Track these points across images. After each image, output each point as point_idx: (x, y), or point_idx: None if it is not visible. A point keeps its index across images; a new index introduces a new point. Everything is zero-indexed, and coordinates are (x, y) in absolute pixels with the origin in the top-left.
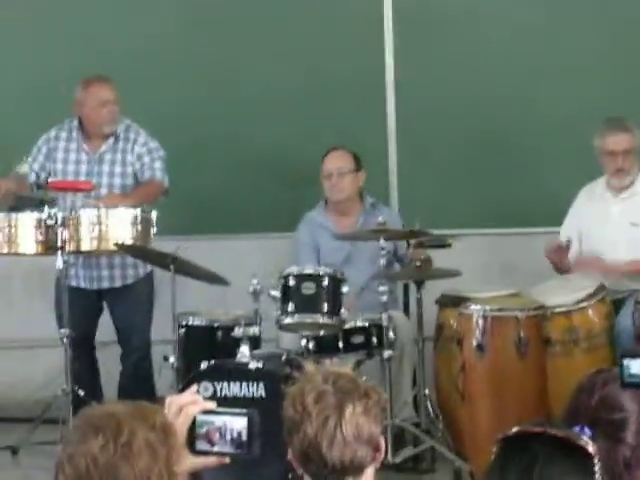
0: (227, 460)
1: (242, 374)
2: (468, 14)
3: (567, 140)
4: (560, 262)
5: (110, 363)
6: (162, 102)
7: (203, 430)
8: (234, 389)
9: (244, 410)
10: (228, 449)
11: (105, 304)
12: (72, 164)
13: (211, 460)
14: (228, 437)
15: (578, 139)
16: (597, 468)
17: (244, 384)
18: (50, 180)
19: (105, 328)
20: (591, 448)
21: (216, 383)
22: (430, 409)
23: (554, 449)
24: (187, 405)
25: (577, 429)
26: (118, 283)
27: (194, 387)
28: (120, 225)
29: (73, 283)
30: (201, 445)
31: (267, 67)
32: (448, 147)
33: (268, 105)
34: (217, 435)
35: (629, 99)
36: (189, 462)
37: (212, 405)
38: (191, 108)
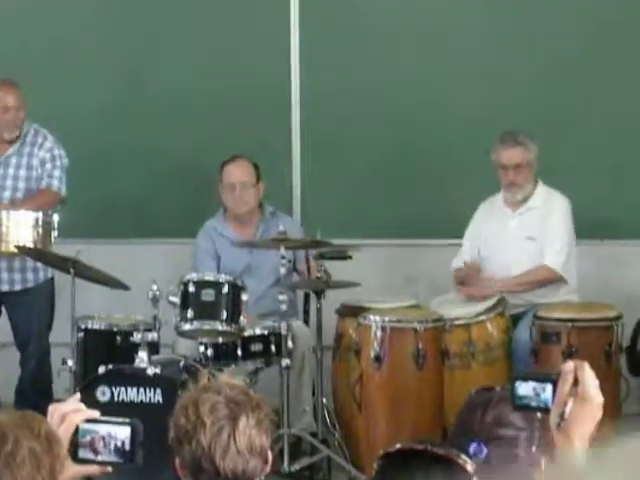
0: (109, 469)
1: (140, 379)
2: (377, 19)
3: (471, 152)
4: (469, 282)
5: (10, 365)
6: (65, 105)
7: (86, 439)
8: (131, 394)
9: (127, 420)
10: (111, 458)
11: (3, 307)
12: None
13: (93, 469)
14: (111, 446)
15: (483, 152)
16: None
17: (141, 389)
18: None
19: (4, 329)
20: (469, 467)
21: (114, 388)
22: (328, 419)
23: (434, 467)
24: (70, 413)
25: (474, 445)
26: (18, 287)
27: (77, 395)
28: (21, 227)
29: None
30: (84, 454)
31: (172, 69)
32: (352, 157)
33: (171, 110)
34: (101, 444)
35: (538, 109)
36: (72, 471)
37: (95, 414)
38: (95, 111)
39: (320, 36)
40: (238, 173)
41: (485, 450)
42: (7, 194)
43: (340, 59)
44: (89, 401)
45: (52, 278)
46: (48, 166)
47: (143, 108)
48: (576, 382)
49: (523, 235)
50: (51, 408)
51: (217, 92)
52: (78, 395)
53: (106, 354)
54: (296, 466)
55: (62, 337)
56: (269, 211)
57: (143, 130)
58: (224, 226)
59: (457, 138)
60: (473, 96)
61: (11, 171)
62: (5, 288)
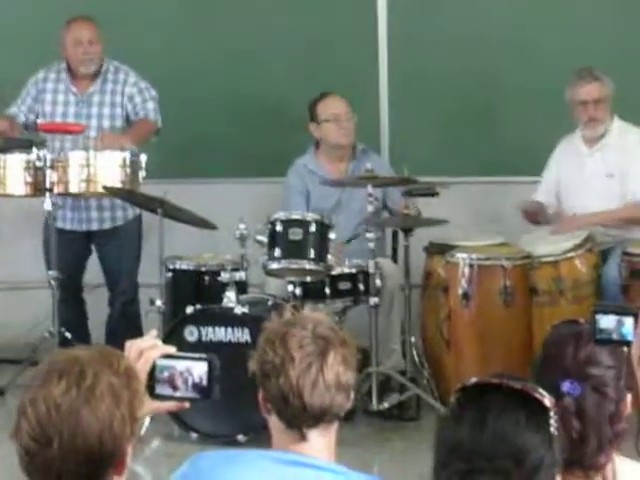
0: (187, 405)
1: (227, 319)
2: None
3: (554, 91)
4: (537, 221)
5: (99, 305)
6: (154, 46)
7: (164, 374)
8: (219, 334)
9: (204, 355)
10: (189, 394)
11: (93, 246)
12: (60, 106)
13: (170, 405)
14: (189, 382)
15: (556, 94)
16: (552, 421)
17: (229, 329)
18: (39, 122)
19: (94, 270)
20: (547, 401)
21: (201, 327)
22: (416, 357)
23: (510, 401)
24: (147, 349)
25: (568, 383)
26: (107, 225)
27: (154, 331)
28: (109, 168)
29: (61, 225)
30: (161, 389)
31: (255, 12)
32: (439, 95)
33: (258, 51)
34: (178, 380)
35: (623, 51)
36: (149, 406)
37: (172, 349)
38: (181, 53)
39: None
40: (339, 105)
41: (580, 388)
42: (92, 133)
43: (426, 8)
44: (177, 341)
45: (140, 215)
46: (138, 99)
47: (228, 50)
48: None
49: (602, 172)
50: (128, 344)
51: (302, 31)
52: (155, 332)
53: (194, 294)
54: (385, 404)
55: (150, 278)
56: (360, 149)
57: (229, 72)
58: (315, 163)
59: (545, 76)
60: (559, 35)
61: (94, 110)
62: (95, 227)
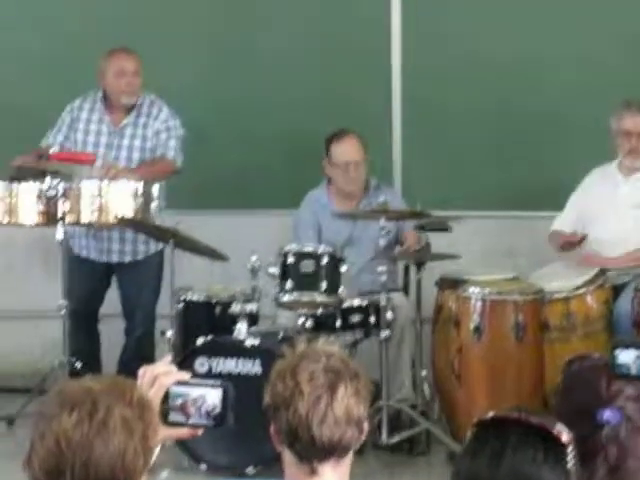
0: (200, 432)
1: (238, 351)
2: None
3: (575, 124)
4: (568, 249)
5: (113, 336)
6: (173, 76)
7: (177, 402)
8: (230, 365)
9: (218, 381)
10: (202, 421)
11: (114, 277)
12: (93, 135)
13: (184, 432)
14: (203, 409)
15: (583, 124)
16: (570, 457)
17: (240, 361)
18: (51, 152)
19: (111, 301)
20: (565, 437)
21: (212, 359)
22: (427, 391)
23: (527, 436)
24: (161, 375)
25: (608, 412)
26: (128, 258)
27: (168, 357)
28: (121, 198)
29: (83, 254)
30: (175, 417)
31: (285, 55)
32: (453, 130)
33: (272, 86)
34: (192, 407)
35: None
36: (162, 434)
37: (186, 376)
38: (197, 87)
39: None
40: (351, 152)
41: (620, 416)
42: (122, 165)
43: (441, 28)
44: (188, 372)
45: (162, 251)
46: (163, 136)
47: (241, 85)
48: None
49: (632, 202)
50: (142, 370)
51: (316, 62)
52: (169, 357)
53: (205, 325)
54: (395, 438)
55: (161, 308)
56: (373, 185)
57: (243, 102)
58: (327, 198)
59: (561, 109)
60: (580, 62)
61: (126, 142)
62: (115, 259)
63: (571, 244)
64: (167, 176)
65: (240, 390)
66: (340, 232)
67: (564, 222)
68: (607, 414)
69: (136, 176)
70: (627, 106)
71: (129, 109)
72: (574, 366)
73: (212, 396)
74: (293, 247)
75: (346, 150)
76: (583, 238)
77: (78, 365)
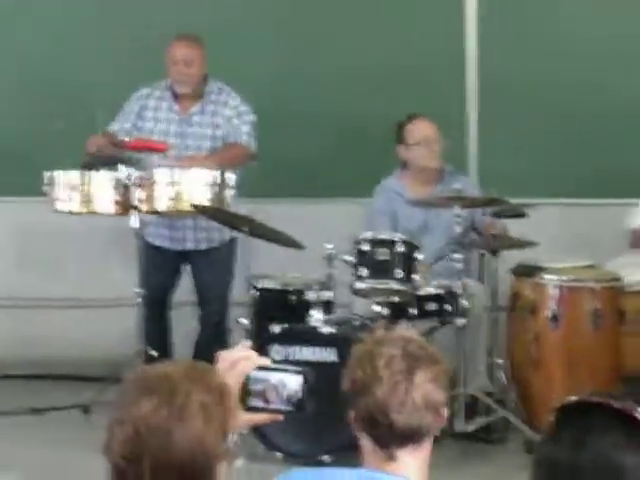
0: (280, 417)
1: (314, 338)
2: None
3: None
4: None
5: (183, 323)
6: (250, 66)
7: (257, 387)
8: (306, 353)
9: (299, 368)
10: (282, 407)
11: (188, 265)
12: (162, 123)
13: (264, 417)
14: (283, 395)
15: None
16: None
17: (316, 349)
18: (126, 140)
19: (182, 288)
20: None
21: (288, 347)
22: (503, 379)
23: (610, 420)
24: (240, 360)
25: None
26: (203, 246)
27: (247, 342)
28: (197, 186)
29: (157, 242)
30: (255, 402)
31: (354, 40)
32: (527, 116)
33: (350, 75)
34: (272, 393)
35: None
36: (242, 419)
37: (266, 361)
38: (273, 76)
39: (496, 5)
40: (429, 128)
41: None
42: (190, 154)
43: (521, 11)
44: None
45: (236, 238)
46: (235, 122)
47: (321, 75)
48: None
49: None
50: (221, 355)
51: (387, 46)
52: (248, 342)
53: (280, 313)
54: (472, 426)
55: (236, 297)
56: (448, 171)
57: (321, 94)
58: (402, 185)
59: (633, 96)
60: None
61: (195, 129)
62: (190, 246)
63: None
64: (243, 162)
65: (316, 378)
66: (415, 219)
67: (636, 219)
68: None
69: (212, 164)
70: None
71: (197, 97)
72: None
73: (292, 382)
74: (368, 235)
75: (422, 127)
76: None
77: (154, 353)
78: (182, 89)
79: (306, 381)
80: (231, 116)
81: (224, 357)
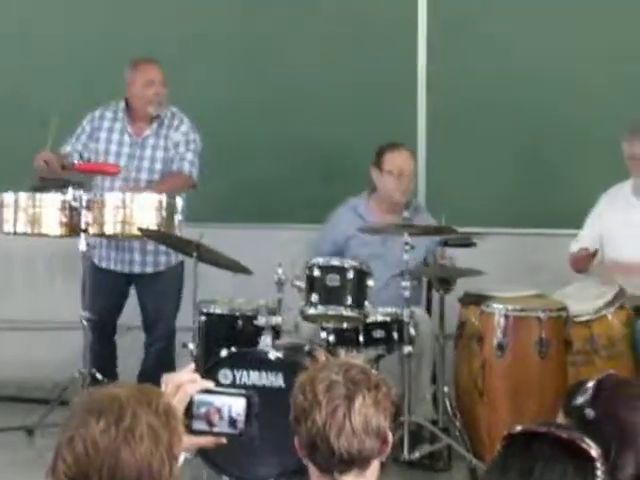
0: (224, 441)
1: (262, 363)
2: (500, 19)
3: (597, 142)
4: (583, 268)
5: (129, 348)
6: (202, 91)
7: (201, 410)
8: (253, 378)
9: (242, 391)
10: (226, 430)
11: (134, 289)
12: (115, 145)
13: (207, 440)
14: (226, 418)
15: (606, 142)
16: (599, 472)
17: (264, 373)
18: (76, 162)
19: (130, 312)
20: (594, 452)
21: (236, 371)
22: (449, 407)
23: (557, 451)
24: (185, 383)
25: None
26: (149, 269)
27: (192, 365)
28: (145, 210)
29: (104, 264)
30: (198, 425)
31: (304, 65)
32: (477, 146)
33: (301, 100)
34: (216, 416)
35: None
36: (186, 442)
37: (210, 384)
38: (220, 97)
39: (446, 35)
40: (407, 162)
41: None
42: (144, 176)
43: (467, 45)
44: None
45: (182, 262)
46: (181, 149)
47: (269, 98)
48: None
49: None
50: (165, 378)
51: (341, 75)
52: (192, 365)
53: (227, 338)
54: (416, 454)
55: (183, 321)
56: (414, 204)
57: (273, 121)
58: (366, 208)
59: (582, 128)
60: (599, 84)
61: (148, 152)
62: (137, 270)
63: (584, 261)
64: (183, 190)
65: (263, 403)
66: (369, 244)
67: (583, 242)
68: None
69: (154, 192)
70: (634, 131)
71: (151, 120)
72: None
73: (236, 405)
74: (319, 260)
75: (402, 158)
76: (595, 253)
77: (99, 376)
78: (157, 110)
79: (250, 405)
80: (179, 142)
81: (169, 380)
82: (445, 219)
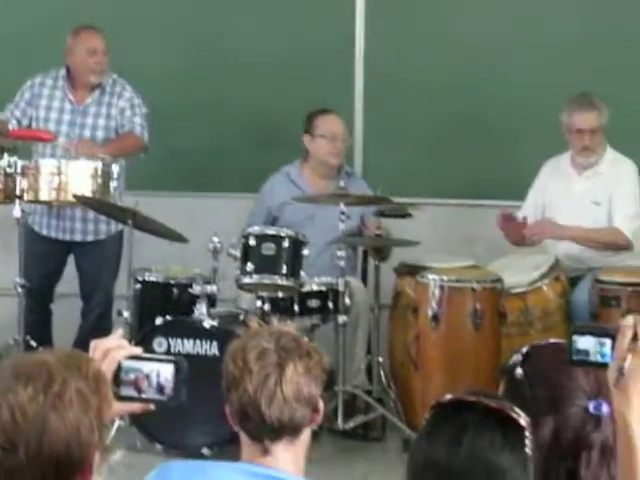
0: (152, 407)
1: (197, 332)
2: None
3: (534, 115)
4: (514, 235)
5: (65, 316)
6: (142, 58)
7: (129, 376)
8: (188, 346)
9: (171, 357)
10: (154, 396)
11: (72, 257)
12: (55, 112)
13: (136, 406)
14: (154, 384)
15: (545, 115)
16: (527, 441)
17: (198, 342)
18: (10, 128)
19: (67, 280)
20: (522, 421)
21: (170, 339)
22: (383, 377)
23: (486, 420)
24: (113, 349)
25: (594, 403)
26: (90, 237)
27: (120, 331)
28: (80, 177)
29: (44, 232)
30: (127, 391)
31: (244, 34)
32: (415, 116)
33: (239, 68)
34: (144, 382)
35: (598, 76)
36: (114, 408)
37: (138, 350)
38: (159, 64)
39: (385, 5)
40: (339, 125)
41: (607, 408)
42: (92, 142)
43: (406, 16)
44: (146, 352)
45: (122, 231)
46: (128, 113)
47: (208, 68)
48: (635, 337)
49: (588, 199)
50: (93, 344)
51: (279, 44)
52: (120, 331)
53: (162, 307)
54: (350, 424)
55: (119, 289)
56: (345, 170)
57: (208, 89)
58: (299, 175)
59: (520, 101)
60: (537, 57)
61: (89, 120)
62: (78, 238)
63: (513, 228)
64: (136, 152)
65: (197, 371)
66: (304, 211)
67: (522, 213)
68: (602, 406)
69: (106, 152)
70: (578, 103)
71: (92, 88)
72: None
73: (164, 371)
74: (255, 229)
75: (333, 122)
76: (524, 221)
77: (33, 344)
78: (100, 78)
79: (178, 371)
80: (124, 108)
81: (96, 346)
82: (382, 189)
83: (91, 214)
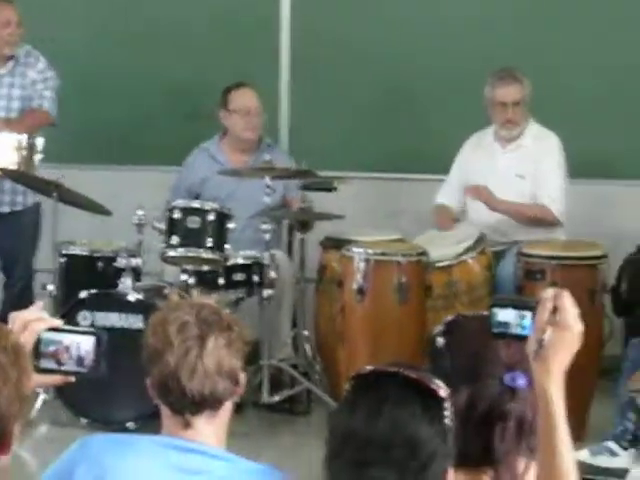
0: (72, 379)
1: (122, 305)
2: None
3: (457, 88)
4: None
5: None
6: (56, 30)
7: (49, 348)
8: (113, 319)
9: (92, 329)
10: (75, 368)
11: None
12: None
13: (56, 378)
14: (75, 356)
15: (473, 89)
16: (447, 413)
17: (123, 315)
18: None
19: None
20: (442, 392)
21: (95, 312)
22: (309, 351)
23: (406, 391)
24: (32, 321)
25: (520, 377)
26: (5, 209)
27: (40, 303)
28: (4, 149)
29: None
30: (47, 363)
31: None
32: (340, 89)
33: (161, 38)
34: (65, 355)
35: (523, 51)
36: (34, 380)
37: (59, 322)
38: (86, 38)
39: None
40: (252, 99)
41: (522, 380)
42: (1, 114)
43: None
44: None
45: (39, 203)
46: (39, 86)
47: (132, 38)
48: (555, 310)
49: (513, 173)
50: (12, 315)
51: (206, 24)
52: (40, 303)
53: (87, 280)
54: (276, 398)
55: (42, 263)
56: (266, 143)
57: (131, 59)
58: (218, 150)
59: (443, 73)
60: (459, 34)
61: (4, 91)
62: None
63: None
64: (42, 127)
65: (122, 344)
66: (225, 186)
67: (448, 195)
68: (517, 378)
69: (14, 129)
70: (500, 77)
71: (6, 59)
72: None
73: (85, 343)
74: (180, 203)
75: (247, 96)
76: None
77: None
78: (12, 50)
79: (99, 343)
80: (36, 80)
81: (15, 318)
82: (307, 163)
83: (7, 185)
